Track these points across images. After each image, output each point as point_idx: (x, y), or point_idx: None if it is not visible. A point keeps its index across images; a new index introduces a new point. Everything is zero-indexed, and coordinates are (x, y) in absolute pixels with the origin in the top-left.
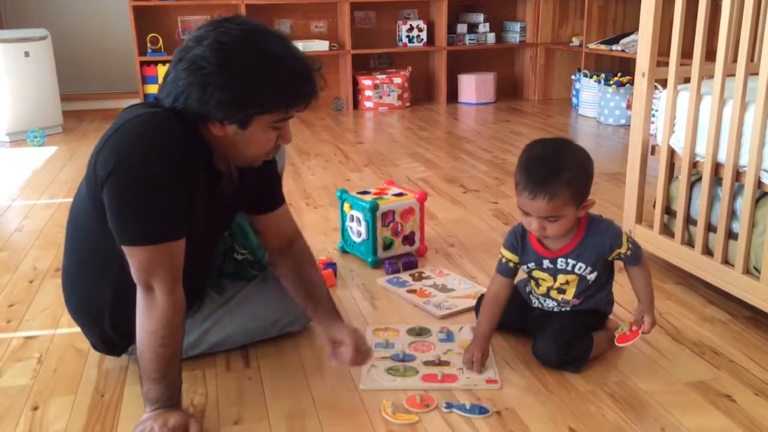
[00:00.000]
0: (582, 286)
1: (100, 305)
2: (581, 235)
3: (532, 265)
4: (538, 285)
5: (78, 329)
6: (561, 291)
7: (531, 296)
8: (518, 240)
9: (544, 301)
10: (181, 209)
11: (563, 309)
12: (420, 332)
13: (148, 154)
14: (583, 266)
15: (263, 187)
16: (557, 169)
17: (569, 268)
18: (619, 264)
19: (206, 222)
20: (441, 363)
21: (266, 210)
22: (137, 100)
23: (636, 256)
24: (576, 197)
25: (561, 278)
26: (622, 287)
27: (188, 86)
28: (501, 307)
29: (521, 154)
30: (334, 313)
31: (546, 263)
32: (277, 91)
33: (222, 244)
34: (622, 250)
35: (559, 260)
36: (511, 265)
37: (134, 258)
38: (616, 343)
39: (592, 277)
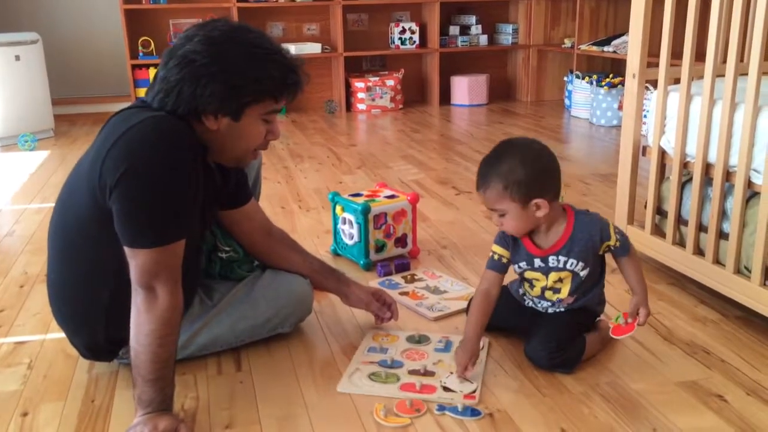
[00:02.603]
0: (575, 283)
1: (95, 312)
2: (570, 231)
3: (524, 264)
4: (532, 287)
5: None
6: (555, 291)
7: (525, 297)
8: (510, 237)
9: (539, 302)
10: (188, 209)
11: (558, 309)
12: (420, 340)
13: (160, 156)
14: (575, 262)
15: (234, 182)
16: (494, 163)
17: (561, 265)
18: (612, 265)
19: (200, 219)
20: (426, 373)
21: (240, 203)
22: (129, 104)
23: (625, 247)
24: (513, 191)
25: (553, 276)
26: (613, 287)
27: (180, 81)
28: (492, 306)
29: None
30: (343, 277)
31: (537, 262)
32: (267, 81)
33: (205, 243)
34: (611, 243)
35: (551, 258)
36: (504, 260)
37: (138, 259)
38: (611, 335)
39: (584, 273)
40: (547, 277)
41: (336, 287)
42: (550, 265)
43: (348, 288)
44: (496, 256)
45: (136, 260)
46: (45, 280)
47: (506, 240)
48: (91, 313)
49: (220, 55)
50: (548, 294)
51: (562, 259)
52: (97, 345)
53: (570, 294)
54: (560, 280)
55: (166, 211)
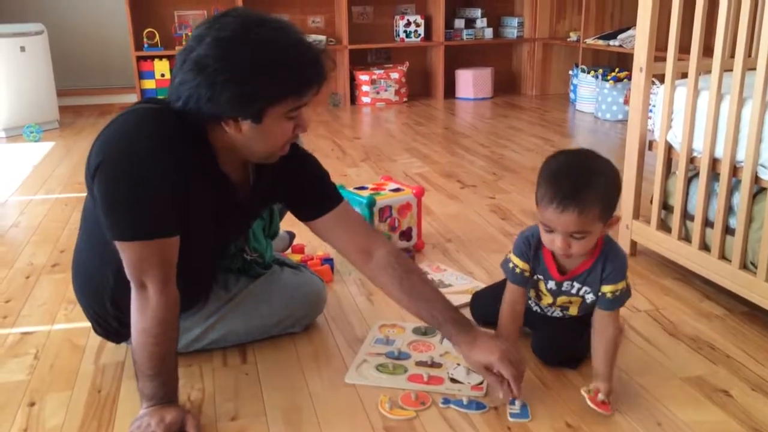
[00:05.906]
0: (583, 307)
1: (102, 289)
2: (593, 259)
3: (540, 277)
4: (539, 298)
5: (74, 325)
6: (564, 308)
7: (531, 302)
8: (532, 250)
9: (547, 310)
10: (170, 206)
11: (564, 316)
12: (426, 332)
13: (134, 148)
14: (588, 289)
15: (308, 185)
16: (588, 179)
17: (573, 291)
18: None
19: (215, 224)
20: (433, 365)
21: (319, 213)
22: (134, 96)
23: (622, 300)
24: (606, 212)
25: (561, 300)
26: None
27: (196, 88)
28: (519, 320)
29: (544, 166)
30: (463, 327)
31: (551, 284)
32: (285, 79)
33: (233, 245)
34: (620, 287)
35: (565, 283)
36: (527, 274)
37: (125, 254)
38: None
39: (590, 298)
40: (554, 300)
41: (453, 336)
42: (563, 289)
43: (460, 349)
44: (518, 270)
45: (123, 254)
46: (51, 270)
47: (527, 253)
48: (100, 289)
49: (230, 59)
50: (554, 310)
51: (576, 285)
52: (108, 323)
53: (579, 313)
54: (570, 302)
55: (142, 204)
